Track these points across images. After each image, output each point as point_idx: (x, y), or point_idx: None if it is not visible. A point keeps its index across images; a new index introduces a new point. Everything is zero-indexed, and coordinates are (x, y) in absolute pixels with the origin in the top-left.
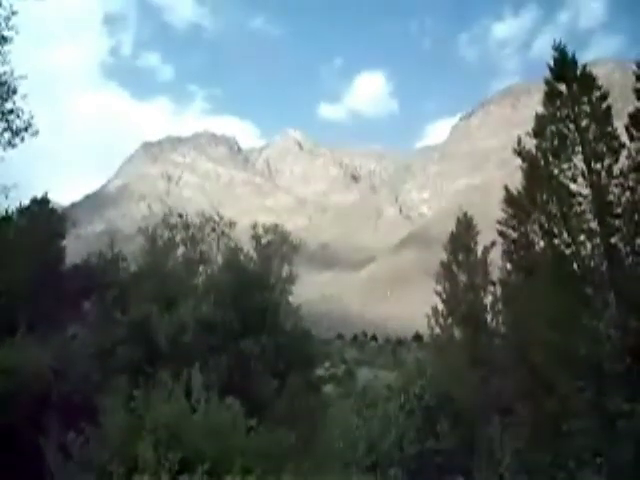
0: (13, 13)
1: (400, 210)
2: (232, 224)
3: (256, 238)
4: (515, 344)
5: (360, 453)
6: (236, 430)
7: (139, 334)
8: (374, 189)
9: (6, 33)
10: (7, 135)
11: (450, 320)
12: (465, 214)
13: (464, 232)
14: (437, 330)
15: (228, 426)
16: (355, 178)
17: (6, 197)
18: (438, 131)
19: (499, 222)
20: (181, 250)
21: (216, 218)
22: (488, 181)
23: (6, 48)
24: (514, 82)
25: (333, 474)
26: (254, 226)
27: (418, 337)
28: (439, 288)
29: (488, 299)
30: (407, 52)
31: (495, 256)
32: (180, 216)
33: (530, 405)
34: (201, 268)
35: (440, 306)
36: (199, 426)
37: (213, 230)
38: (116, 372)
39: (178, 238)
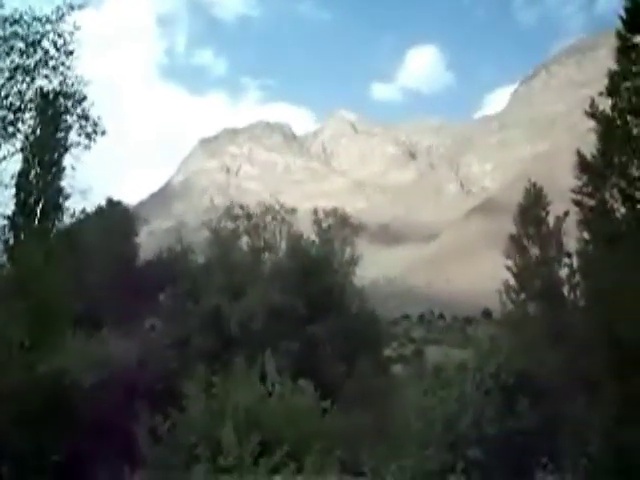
0: (76, 28)
1: (461, 185)
2: (292, 211)
3: (317, 223)
4: (598, 318)
5: (437, 433)
6: (312, 413)
7: (212, 323)
8: (432, 165)
9: (71, 47)
10: (82, 139)
11: (523, 295)
12: (534, 184)
13: (534, 203)
14: (510, 306)
15: (304, 409)
16: (412, 155)
17: (84, 199)
18: (497, 99)
19: (573, 190)
20: (245, 240)
21: (276, 206)
22: (554, 148)
23: (73, 62)
24: (578, 39)
25: (411, 454)
26: (314, 211)
27: (487, 314)
28: (509, 263)
29: (564, 272)
30: (460, 23)
31: (568, 226)
32: (241, 207)
33: (618, 383)
34: (266, 256)
35: (512, 281)
36: (276, 409)
37: (274, 218)
38: (193, 359)
39: (241, 228)
